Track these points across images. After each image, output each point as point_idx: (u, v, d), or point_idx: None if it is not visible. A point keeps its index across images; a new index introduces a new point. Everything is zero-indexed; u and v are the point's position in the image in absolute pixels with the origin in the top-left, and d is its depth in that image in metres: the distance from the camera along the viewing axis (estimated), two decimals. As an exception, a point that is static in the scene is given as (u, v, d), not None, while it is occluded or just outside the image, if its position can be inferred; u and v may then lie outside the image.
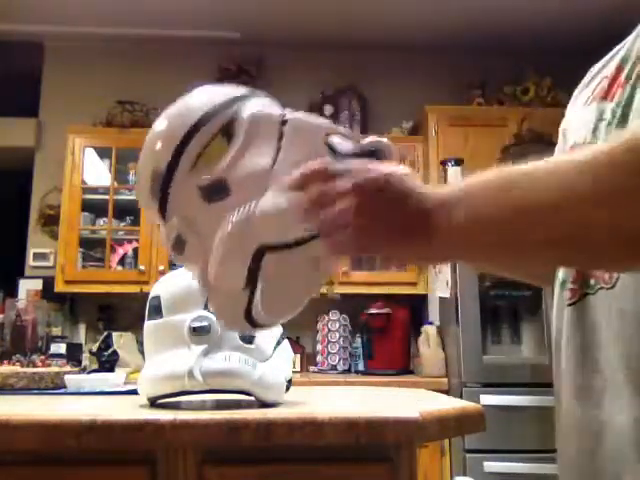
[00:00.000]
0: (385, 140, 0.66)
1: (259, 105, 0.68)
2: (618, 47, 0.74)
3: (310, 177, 0.59)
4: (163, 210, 0.67)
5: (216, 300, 0.67)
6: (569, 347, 0.67)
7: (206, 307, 1.00)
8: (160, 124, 0.69)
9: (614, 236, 0.49)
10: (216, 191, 0.64)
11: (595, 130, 0.69)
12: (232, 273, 0.62)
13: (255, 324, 0.65)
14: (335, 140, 0.64)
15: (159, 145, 0.67)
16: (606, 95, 0.70)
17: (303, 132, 0.65)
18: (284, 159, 0.64)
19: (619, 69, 0.69)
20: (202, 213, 0.65)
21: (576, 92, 0.82)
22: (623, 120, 0.64)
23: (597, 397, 0.62)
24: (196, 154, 0.65)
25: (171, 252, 0.69)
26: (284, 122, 0.66)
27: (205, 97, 0.69)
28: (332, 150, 0.63)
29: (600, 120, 0.69)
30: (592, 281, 0.65)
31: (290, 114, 0.67)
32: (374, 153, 0.65)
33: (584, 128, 0.71)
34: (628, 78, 0.66)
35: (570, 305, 0.68)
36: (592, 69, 0.80)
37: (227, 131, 0.66)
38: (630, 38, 0.71)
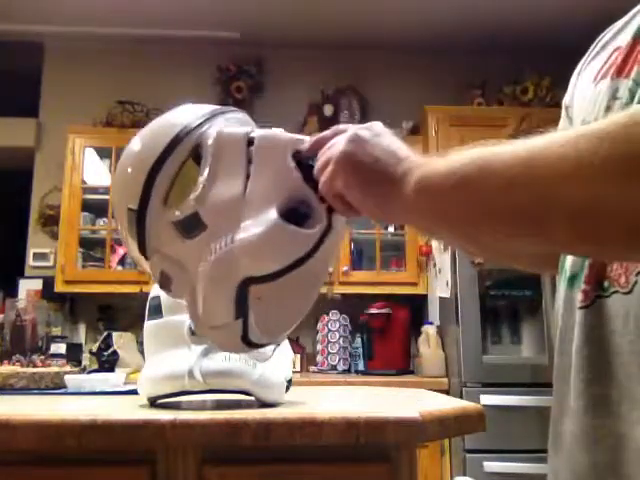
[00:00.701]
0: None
1: (224, 125, 0.66)
2: (632, 12, 0.66)
3: (318, 144, 0.61)
4: (143, 248, 0.66)
5: (210, 333, 0.65)
6: (581, 354, 0.62)
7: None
8: (127, 157, 0.67)
9: (574, 213, 0.45)
10: (191, 226, 0.63)
11: (608, 109, 0.62)
12: (219, 310, 0.62)
13: (254, 345, 0.64)
14: (303, 156, 0.63)
15: (128, 182, 0.66)
16: (620, 71, 0.63)
17: (270, 153, 0.63)
18: (254, 185, 0.62)
19: (636, 40, 0.62)
20: (182, 249, 0.63)
21: (581, 64, 0.74)
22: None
23: (614, 408, 0.58)
24: (166, 188, 0.64)
25: (159, 288, 0.68)
26: (250, 142, 0.64)
27: (172, 120, 0.67)
28: (301, 165, 0.62)
29: (614, 99, 0.62)
30: (606, 283, 0.60)
31: (255, 132, 0.65)
32: None
33: (594, 107, 0.65)
34: None
35: (582, 308, 0.63)
36: (600, 38, 0.72)
37: (196, 154, 0.65)
38: None
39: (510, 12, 3.52)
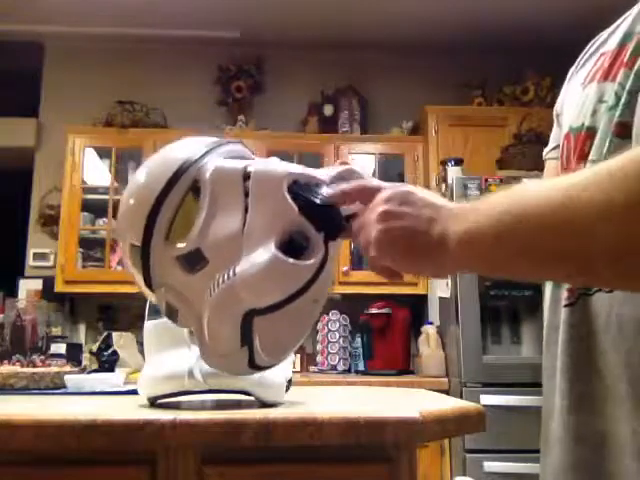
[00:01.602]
0: (349, 166, 0.68)
1: (220, 159, 0.68)
2: (619, 21, 0.67)
3: (350, 196, 0.63)
4: (148, 282, 0.68)
5: (218, 360, 0.68)
6: (566, 353, 0.64)
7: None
8: (130, 192, 0.69)
9: (612, 253, 0.45)
10: (194, 261, 0.64)
11: (594, 113, 0.64)
12: (226, 340, 0.64)
13: (261, 368, 0.67)
14: (301, 190, 0.64)
15: (131, 219, 0.68)
16: (607, 75, 0.64)
17: (266, 187, 0.64)
18: (252, 218, 0.64)
19: (622, 46, 0.63)
20: (186, 283, 0.65)
21: (572, 70, 0.76)
22: (628, 107, 0.59)
23: (598, 406, 0.60)
24: (167, 224, 0.66)
25: (167, 319, 0.71)
26: (247, 176, 0.65)
27: (170, 157, 0.68)
28: (297, 197, 0.63)
29: (600, 102, 0.63)
30: None
31: (252, 166, 0.66)
32: (345, 179, 0.66)
33: (581, 111, 0.66)
34: (634, 55, 0.60)
35: (567, 306, 0.65)
36: (589, 46, 0.73)
37: (195, 188, 0.66)
38: (634, 10, 0.64)
39: (510, 12, 3.52)
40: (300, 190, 0.64)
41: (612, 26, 0.69)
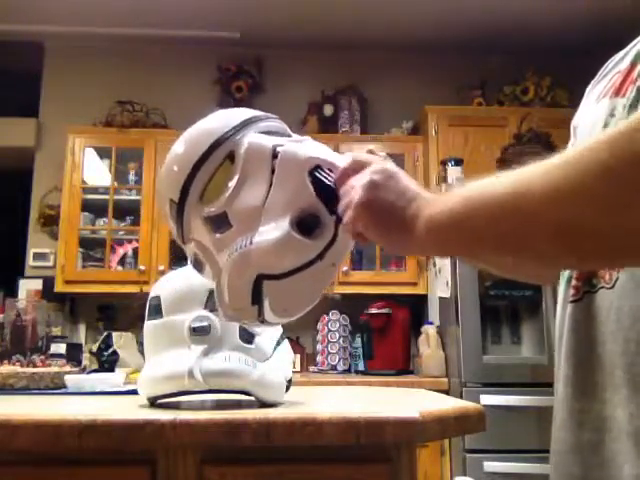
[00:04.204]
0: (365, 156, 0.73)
1: (257, 135, 0.75)
2: (635, 41, 0.72)
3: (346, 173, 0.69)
4: (181, 235, 0.77)
5: (232, 313, 0.75)
6: (570, 342, 0.69)
7: (206, 307, 1.00)
8: (171, 156, 0.77)
9: (559, 233, 0.50)
10: (219, 224, 0.73)
11: (605, 126, 0.68)
12: (239, 297, 0.73)
13: (269, 324, 0.75)
14: (321, 174, 0.71)
15: (171, 177, 0.76)
16: (618, 91, 0.69)
17: (290, 168, 0.72)
18: (274, 194, 0.71)
19: (633, 65, 0.68)
20: (212, 241, 0.74)
21: (589, 87, 0.81)
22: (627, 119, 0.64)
23: (599, 392, 0.64)
24: (202, 186, 0.74)
25: (193, 270, 0.79)
26: (275, 155, 0.72)
27: (211, 126, 0.76)
28: (317, 183, 0.70)
29: (611, 116, 0.68)
30: (594, 280, 0.66)
31: (282, 147, 0.73)
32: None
33: (595, 125, 0.71)
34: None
35: (572, 302, 0.69)
36: (607, 63, 0.78)
37: (232, 157, 0.74)
38: None
39: (510, 12, 3.52)
40: (320, 174, 0.71)
41: (629, 46, 0.73)
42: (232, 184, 0.72)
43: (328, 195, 0.70)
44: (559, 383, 0.71)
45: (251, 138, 0.74)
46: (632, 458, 0.59)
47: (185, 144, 0.76)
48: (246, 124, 0.76)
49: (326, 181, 0.70)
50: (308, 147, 0.74)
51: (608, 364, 0.63)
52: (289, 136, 0.78)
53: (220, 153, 0.74)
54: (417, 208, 0.61)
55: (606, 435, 0.63)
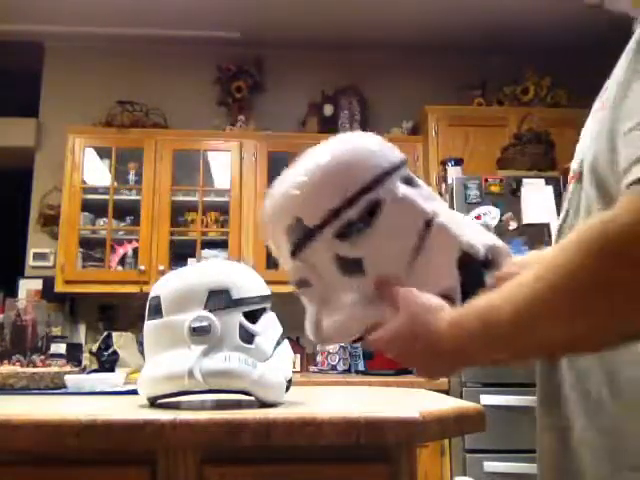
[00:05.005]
0: (500, 244, 0.74)
1: (405, 188, 0.72)
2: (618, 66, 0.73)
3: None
4: (294, 253, 0.72)
5: (325, 342, 0.82)
6: (542, 362, 0.78)
7: (206, 307, 1.00)
8: (317, 173, 0.71)
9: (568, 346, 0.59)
10: (352, 268, 0.70)
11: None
12: (345, 338, 0.77)
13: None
14: (467, 260, 0.70)
15: (312, 200, 0.70)
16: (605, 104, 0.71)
17: (443, 245, 0.71)
18: (422, 265, 0.70)
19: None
20: (334, 277, 0.72)
21: (595, 102, 0.83)
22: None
23: (562, 405, 0.73)
24: (345, 225, 0.69)
25: (293, 286, 0.76)
26: (428, 223, 0.71)
27: (365, 164, 0.71)
28: (464, 262, 0.70)
29: (600, 126, 0.70)
30: None
31: (437, 217, 0.71)
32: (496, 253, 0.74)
33: (588, 136, 0.74)
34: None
35: None
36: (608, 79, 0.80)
37: (373, 208, 0.70)
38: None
39: (510, 12, 3.52)
40: (466, 264, 0.71)
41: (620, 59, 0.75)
42: (378, 232, 0.70)
43: (465, 286, 0.70)
44: (538, 400, 0.81)
45: (403, 190, 0.72)
46: (591, 466, 0.68)
47: (338, 167, 0.71)
48: (396, 168, 0.73)
49: (471, 275, 0.71)
50: (462, 225, 0.73)
51: (564, 380, 0.73)
52: (419, 186, 0.76)
53: (370, 197, 0.69)
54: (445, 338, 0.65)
55: (568, 445, 0.72)
